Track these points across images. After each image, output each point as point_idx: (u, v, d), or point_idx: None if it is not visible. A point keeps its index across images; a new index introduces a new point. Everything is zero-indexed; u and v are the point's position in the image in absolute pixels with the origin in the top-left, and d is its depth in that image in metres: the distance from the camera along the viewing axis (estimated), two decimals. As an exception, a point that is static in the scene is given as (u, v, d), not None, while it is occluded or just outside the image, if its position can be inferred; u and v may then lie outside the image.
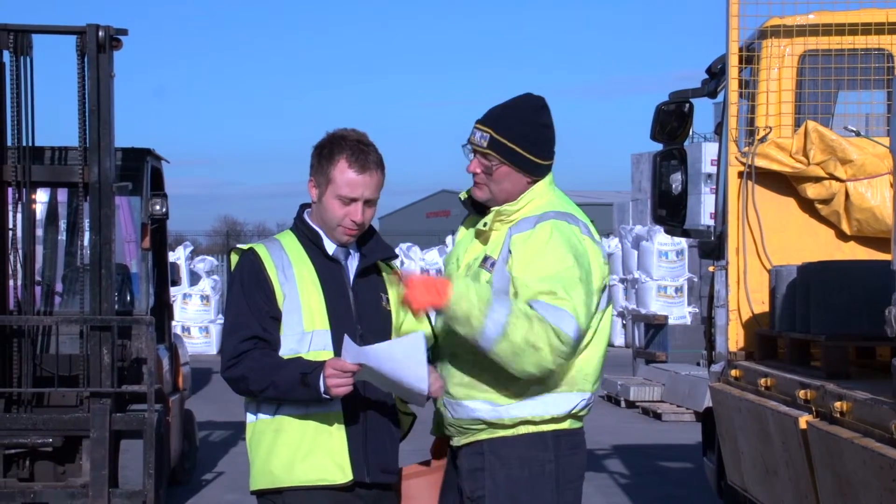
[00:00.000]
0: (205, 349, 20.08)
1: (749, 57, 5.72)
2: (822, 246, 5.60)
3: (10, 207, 6.94)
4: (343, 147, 3.26)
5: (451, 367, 3.27)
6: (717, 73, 6.11)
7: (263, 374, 3.18)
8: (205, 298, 20.91)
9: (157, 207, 8.03)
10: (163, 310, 8.69)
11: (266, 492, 3.27)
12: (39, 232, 7.67)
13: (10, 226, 6.91)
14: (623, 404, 13.45)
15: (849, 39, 5.60)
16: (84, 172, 6.85)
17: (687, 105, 6.19)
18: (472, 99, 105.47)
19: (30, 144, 6.94)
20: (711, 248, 6.16)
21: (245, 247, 3.33)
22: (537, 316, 3.10)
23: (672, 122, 6.18)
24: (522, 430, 3.23)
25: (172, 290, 9.96)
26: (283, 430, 3.22)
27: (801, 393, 4.34)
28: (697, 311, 20.05)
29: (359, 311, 3.29)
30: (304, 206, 3.38)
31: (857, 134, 5.50)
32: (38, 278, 7.46)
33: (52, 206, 8.05)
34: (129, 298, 8.24)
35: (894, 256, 3.68)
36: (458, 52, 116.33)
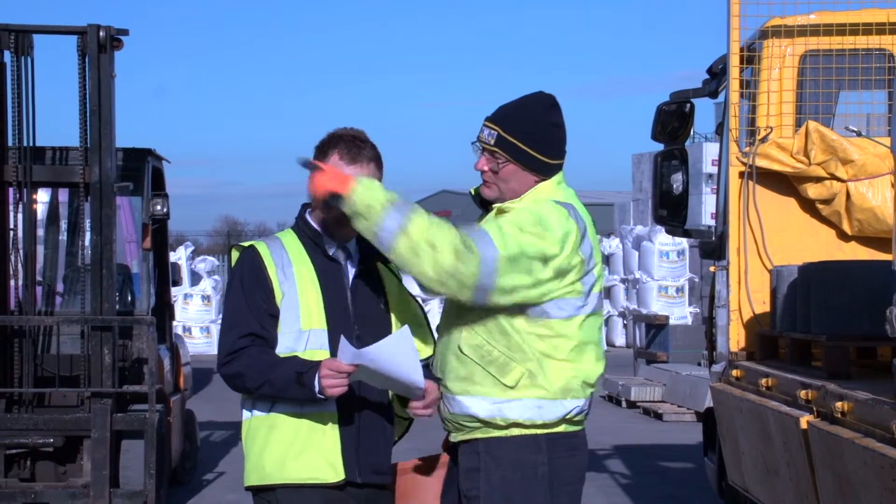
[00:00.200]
0: (206, 349, 20.08)
1: (750, 57, 5.72)
2: (823, 246, 5.60)
3: (11, 207, 6.94)
4: (338, 143, 3.29)
5: (450, 362, 3.27)
6: (717, 73, 6.11)
7: (259, 372, 3.19)
8: (206, 298, 20.92)
9: (158, 207, 8.03)
10: (164, 310, 8.69)
11: (259, 488, 3.28)
12: (40, 232, 7.68)
13: (11, 226, 6.91)
14: (624, 404, 13.45)
15: (850, 39, 5.59)
16: (85, 172, 6.86)
17: (688, 105, 6.19)
18: (473, 99, 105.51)
19: (31, 144, 6.94)
20: (712, 248, 6.16)
21: (246, 244, 3.35)
22: (447, 224, 3.10)
23: (673, 122, 6.18)
24: (515, 431, 3.21)
25: (173, 291, 9.96)
26: (276, 428, 3.24)
27: (802, 393, 4.34)
28: (698, 311, 20.05)
29: (357, 311, 3.29)
30: (305, 206, 3.39)
31: (858, 134, 5.50)
32: (39, 278, 7.47)
33: (53, 206, 8.05)
34: (130, 298, 8.24)
35: (895, 256, 3.68)
36: (459, 52, 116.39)
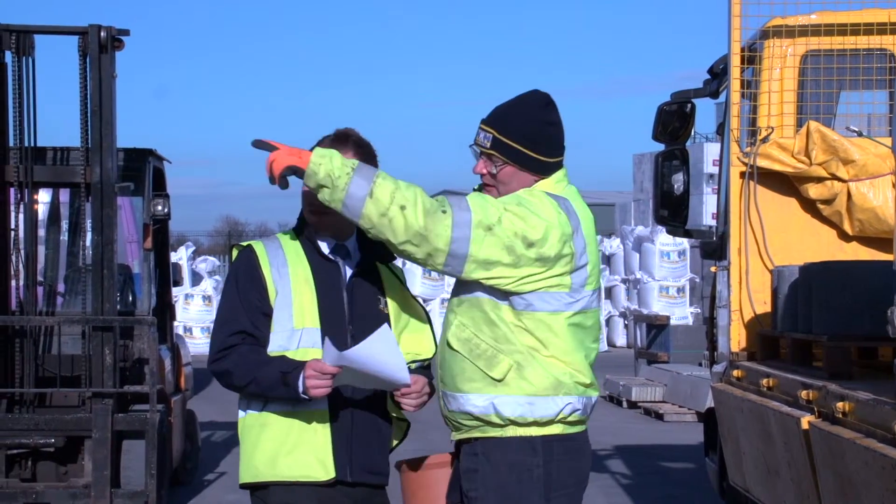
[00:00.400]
0: (207, 350, 20.00)
1: (751, 57, 5.72)
2: (824, 246, 5.59)
3: (13, 208, 6.93)
4: (321, 140, 3.31)
5: (445, 359, 3.27)
6: (719, 74, 6.11)
7: (247, 370, 3.22)
8: (207, 299, 20.92)
9: (159, 208, 8.03)
10: (165, 310, 8.69)
11: (252, 486, 3.30)
12: (41, 232, 7.67)
13: (13, 226, 6.91)
14: (625, 405, 13.44)
15: (851, 39, 5.59)
16: (86, 173, 6.86)
17: (689, 105, 6.18)
18: (474, 99, 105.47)
19: (32, 145, 6.94)
20: (713, 248, 6.15)
21: (245, 244, 3.38)
22: (419, 187, 3.07)
23: (674, 122, 6.18)
24: (511, 431, 3.20)
25: (174, 291, 9.96)
26: (268, 426, 3.26)
27: (803, 393, 4.33)
28: (699, 311, 20.05)
29: (352, 311, 3.30)
30: None
31: (860, 134, 5.50)
32: (40, 279, 7.47)
33: (54, 206, 8.05)
34: (131, 299, 8.24)
35: (896, 257, 3.68)
36: (460, 52, 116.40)
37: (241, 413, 3.33)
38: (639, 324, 16.36)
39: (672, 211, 6.29)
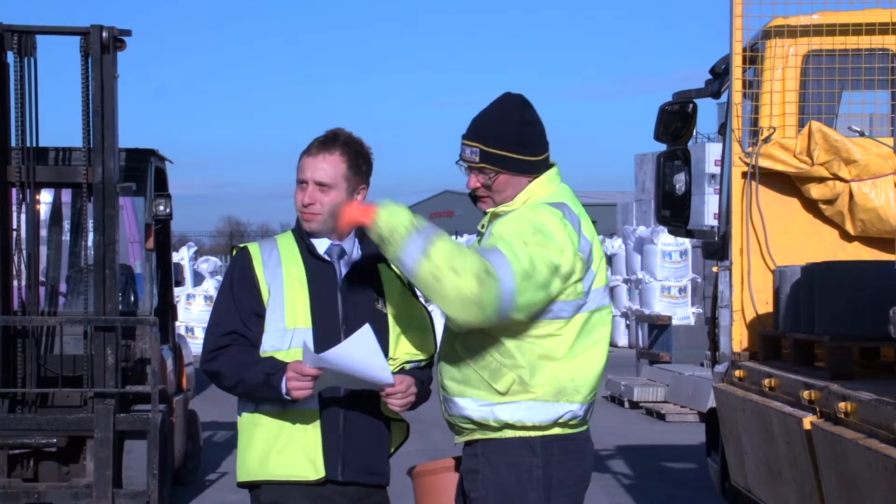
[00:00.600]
0: (208, 350, 20.07)
1: (753, 57, 5.71)
2: (826, 246, 5.59)
3: (15, 208, 6.94)
4: (313, 141, 3.33)
5: (447, 364, 3.27)
6: (720, 74, 6.11)
7: (235, 371, 3.25)
8: (208, 299, 20.91)
9: (161, 208, 8.03)
10: (166, 310, 8.69)
11: (247, 485, 3.33)
12: (43, 232, 7.68)
13: (15, 226, 6.92)
14: (627, 405, 13.44)
15: (853, 39, 5.59)
16: (88, 173, 6.86)
17: (690, 105, 6.18)
18: (475, 99, 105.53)
19: (34, 145, 6.94)
20: (715, 248, 6.15)
21: (241, 245, 3.41)
22: (469, 250, 3.10)
23: (676, 122, 6.17)
24: (508, 433, 3.20)
25: (176, 291, 9.97)
26: (260, 426, 3.29)
27: (805, 393, 4.33)
28: (701, 311, 20.04)
29: (346, 310, 3.30)
30: None
31: (861, 134, 5.49)
32: (42, 279, 7.47)
33: (56, 206, 8.05)
34: (132, 299, 8.24)
35: (898, 257, 3.68)
36: (461, 52, 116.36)
37: (238, 413, 3.36)
38: (640, 324, 16.35)
39: (674, 211, 6.28)
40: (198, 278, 21.10)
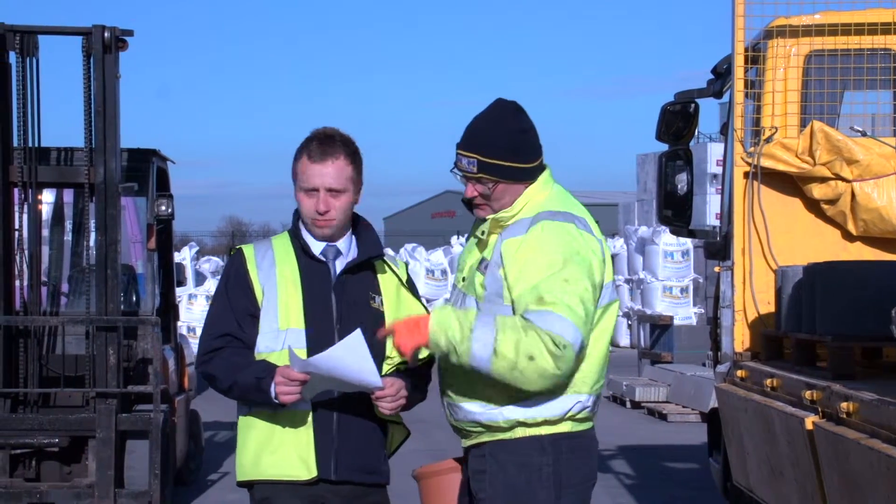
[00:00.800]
0: (210, 350, 20.04)
1: (755, 57, 5.71)
2: (828, 246, 5.58)
3: (17, 208, 6.95)
4: (309, 143, 3.32)
5: (450, 370, 3.27)
6: (722, 74, 6.11)
7: (228, 374, 3.27)
8: (210, 299, 20.90)
9: (163, 208, 8.04)
10: (168, 310, 8.70)
11: (244, 484, 3.35)
12: (45, 232, 7.68)
13: (17, 226, 6.92)
14: (628, 405, 13.44)
15: (855, 39, 5.59)
16: (90, 173, 6.87)
17: (692, 105, 6.18)
18: (477, 99, 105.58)
19: (36, 145, 6.95)
20: (717, 248, 6.14)
21: (237, 247, 3.42)
22: (528, 325, 3.09)
23: (678, 122, 6.17)
24: (519, 432, 3.21)
25: (178, 291, 9.97)
26: (253, 426, 3.31)
27: (808, 394, 4.33)
28: (703, 311, 20.02)
29: (340, 310, 3.30)
30: (298, 210, 3.42)
31: (864, 134, 5.49)
32: (44, 279, 7.47)
33: (58, 206, 8.06)
34: (134, 299, 8.24)
35: (901, 257, 3.68)
36: (461, 52, 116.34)
37: (237, 415, 3.38)
38: (642, 324, 16.35)
39: (676, 211, 6.28)
40: (199, 278, 21.10)
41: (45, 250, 7.66)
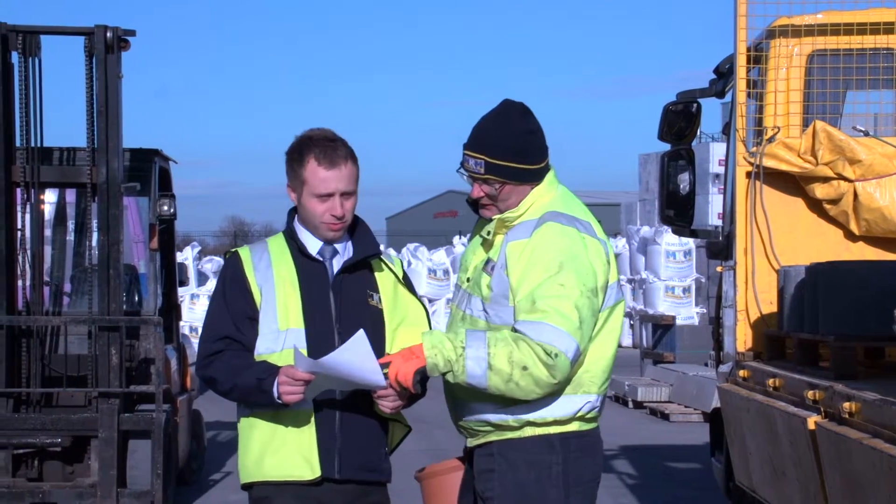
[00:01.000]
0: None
1: (757, 57, 5.70)
2: (830, 246, 5.58)
3: (19, 208, 6.96)
4: (311, 147, 3.30)
5: None
6: (724, 73, 6.10)
7: (229, 377, 3.26)
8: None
9: (165, 208, 8.04)
10: (171, 310, 8.71)
11: (247, 486, 3.34)
12: (48, 232, 7.69)
13: (19, 226, 6.93)
14: (631, 405, 13.44)
15: (857, 39, 5.58)
16: (92, 173, 6.87)
17: (695, 105, 6.17)
18: (478, 99, 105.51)
19: (38, 145, 6.96)
20: (719, 248, 6.14)
21: (233, 250, 3.42)
22: (519, 337, 3.11)
23: (680, 122, 6.17)
24: (528, 431, 3.23)
25: (180, 291, 9.97)
26: (256, 427, 3.30)
27: (810, 393, 4.33)
28: (705, 311, 20.03)
29: (339, 309, 3.30)
30: (292, 210, 3.42)
31: (866, 134, 5.49)
32: (46, 279, 7.48)
33: (60, 206, 8.07)
34: (137, 299, 8.25)
35: (903, 257, 3.67)
36: (461, 52, 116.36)
37: (237, 417, 3.37)
38: (644, 324, 16.35)
39: (678, 211, 6.28)
40: (202, 278, 21.12)
41: (48, 250, 7.67)
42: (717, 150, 19.03)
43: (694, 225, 6.45)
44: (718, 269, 5.97)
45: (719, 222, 6.61)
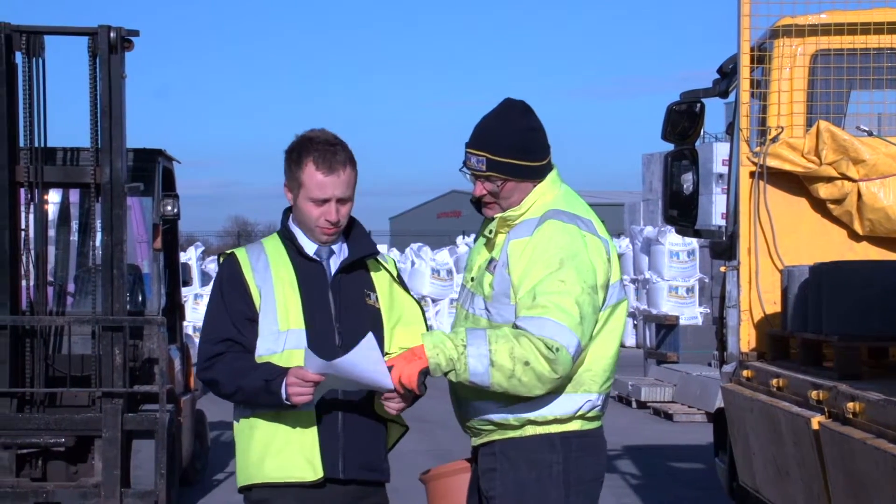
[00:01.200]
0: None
1: (761, 56, 5.70)
2: (834, 246, 5.58)
3: (23, 208, 6.96)
4: (310, 150, 3.28)
5: None
6: (728, 73, 6.10)
7: (232, 379, 3.24)
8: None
9: (169, 208, 8.05)
10: (174, 310, 8.71)
11: (245, 489, 3.32)
12: (52, 232, 7.70)
13: (23, 226, 6.94)
14: (634, 405, 13.43)
15: (861, 39, 5.58)
16: (96, 173, 6.88)
17: (698, 105, 6.17)
18: (481, 99, 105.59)
19: (42, 145, 6.96)
20: (723, 248, 6.14)
21: (228, 252, 3.40)
22: (520, 333, 3.12)
23: (683, 122, 6.17)
24: (529, 430, 3.23)
25: (184, 291, 9.98)
26: (257, 428, 3.28)
27: (814, 394, 4.32)
28: (709, 311, 20.01)
29: (338, 309, 3.31)
30: (287, 210, 3.42)
31: (870, 134, 5.48)
32: (50, 279, 7.49)
33: (64, 206, 8.08)
34: (140, 299, 8.25)
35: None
36: (461, 52, 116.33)
37: (235, 417, 3.36)
38: (648, 324, 16.34)
39: (681, 211, 6.28)
40: (205, 278, 21.11)
41: (52, 250, 7.67)
42: (721, 149, 19.01)
43: (697, 225, 6.45)
44: (722, 269, 5.97)
45: (723, 222, 6.60)
